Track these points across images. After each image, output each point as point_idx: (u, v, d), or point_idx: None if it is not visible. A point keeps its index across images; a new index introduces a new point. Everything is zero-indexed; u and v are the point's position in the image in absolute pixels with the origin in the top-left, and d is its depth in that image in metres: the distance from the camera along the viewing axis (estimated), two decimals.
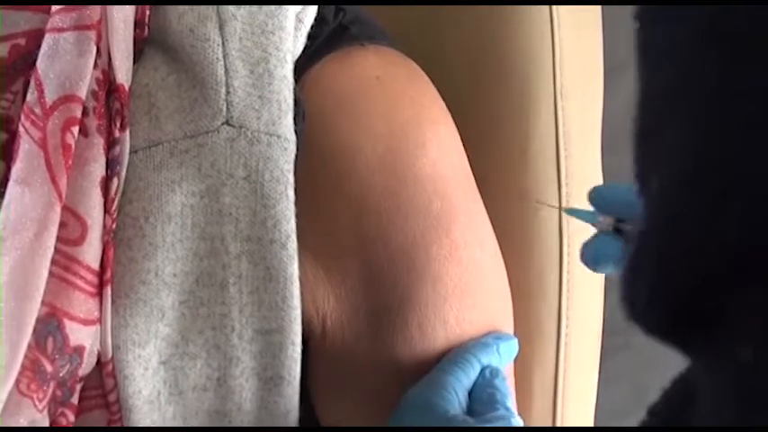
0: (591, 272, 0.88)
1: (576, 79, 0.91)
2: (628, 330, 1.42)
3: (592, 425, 0.95)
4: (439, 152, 0.76)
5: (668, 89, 0.40)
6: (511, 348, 0.77)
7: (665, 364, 1.49)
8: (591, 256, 0.67)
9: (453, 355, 0.73)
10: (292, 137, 0.71)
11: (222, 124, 0.69)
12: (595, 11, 0.94)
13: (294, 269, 0.70)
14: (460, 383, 0.71)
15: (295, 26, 0.74)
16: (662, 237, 0.40)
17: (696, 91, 0.38)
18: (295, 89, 0.72)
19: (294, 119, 0.71)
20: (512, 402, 0.73)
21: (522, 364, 0.84)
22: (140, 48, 0.71)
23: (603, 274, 0.94)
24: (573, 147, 0.91)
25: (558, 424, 0.91)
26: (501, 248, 0.80)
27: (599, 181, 0.94)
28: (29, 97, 0.68)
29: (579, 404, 0.93)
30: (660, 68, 0.41)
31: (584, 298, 0.92)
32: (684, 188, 0.39)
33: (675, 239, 0.39)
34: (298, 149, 0.71)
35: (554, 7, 0.90)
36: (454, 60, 0.93)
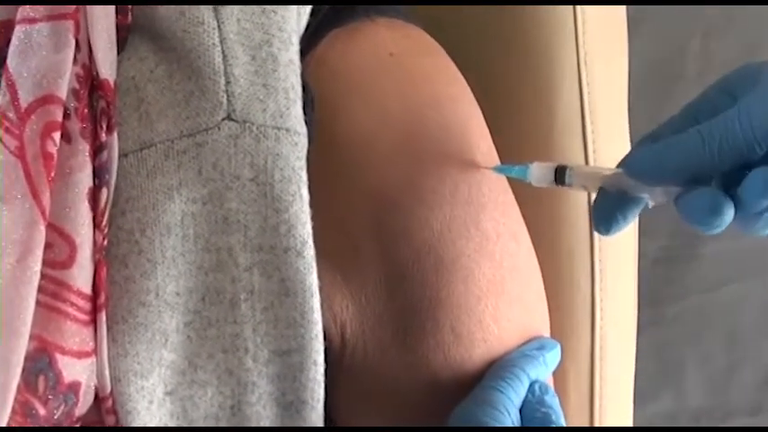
0: (623, 253, 0.87)
1: (600, 43, 0.91)
2: (659, 303, 1.44)
3: (630, 421, 0.94)
4: (461, 134, 0.74)
5: None
6: (556, 357, 0.75)
7: (699, 338, 1.51)
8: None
9: (498, 370, 0.71)
10: (303, 129, 0.68)
11: (223, 119, 0.66)
12: None
13: (313, 279, 0.67)
14: (510, 401, 0.68)
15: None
16: None
17: None
18: (302, 74, 0.69)
19: (303, 108, 0.68)
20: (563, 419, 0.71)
21: None
22: (123, 36, 0.67)
23: (635, 249, 0.95)
24: (599, 116, 0.91)
25: (596, 422, 0.90)
26: (529, 235, 0.79)
27: (627, 148, 0.93)
28: (0, 100, 0.63)
29: (616, 400, 0.93)
30: None
31: (619, 282, 0.92)
32: None
33: None
34: (309, 142, 0.68)
35: None
36: (470, 31, 0.92)
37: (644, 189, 0.65)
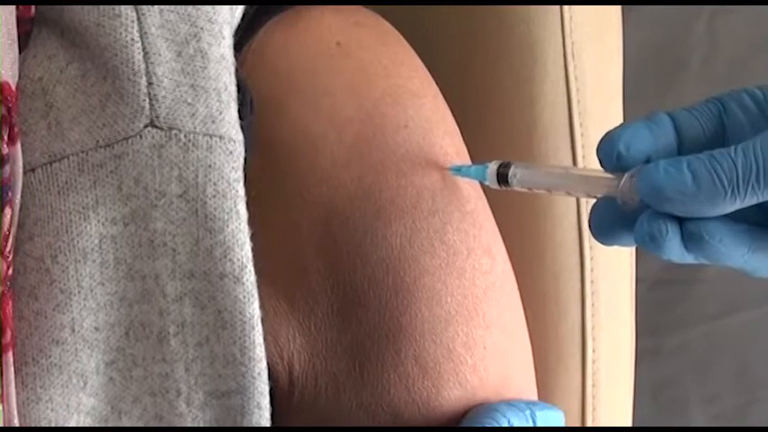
0: (618, 275, 0.87)
1: (590, 31, 0.91)
2: (659, 332, 1.42)
3: None
4: (424, 134, 0.73)
5: None
6: (547, 419, 0.73)
7: (704, 372, 1.50)
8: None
9: (476, 415, 0.71)
10: (239, 136, 0.67)
11: (146, 126, 0.66)
12: None
13: (254, 309, 0.67)
14: None
15: None
16: None
17: None
18: (237, 71, 0.69)
19: (239, 111, 0.68)
20: None
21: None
22: (27, 30, 0.67)
23: (632, 270, 0.94)
24: (589, 114, 0.91)
25: None
26: (507, 251, 0.78)
27: None
28: None
29: None
30: None
31: (613, 309, 0.92)
32: None
33: None
34: (246, 150, 0.68)
35: None
36: (443, 17, 0.92)
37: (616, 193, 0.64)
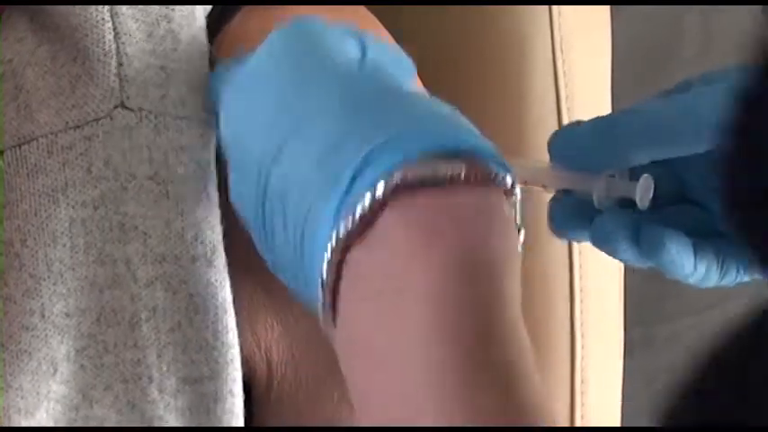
0: (607, 267, 0.87)
1: (578, 25, 0.92)
2: (650, 322, 1.42)
3: None
4: None
5: None
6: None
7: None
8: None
9: None
10: (210, 118, 0.67)
11: (116, 108, 0.65)
12: None
13: (226, 293, 0.67)
14: None
15: None
16: None
17: None
18: (210, 53, 0.69)
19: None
20: None
21: None
22: None
23: (621, 263, 0.95)
24: (577, 110, 0.92)
25: None
26: None
27: None
28: None
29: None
30: None
31: (602, 302, 0.92)
32: None
33: None
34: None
35: None
36: (432, 14, 0.93)
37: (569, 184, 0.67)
